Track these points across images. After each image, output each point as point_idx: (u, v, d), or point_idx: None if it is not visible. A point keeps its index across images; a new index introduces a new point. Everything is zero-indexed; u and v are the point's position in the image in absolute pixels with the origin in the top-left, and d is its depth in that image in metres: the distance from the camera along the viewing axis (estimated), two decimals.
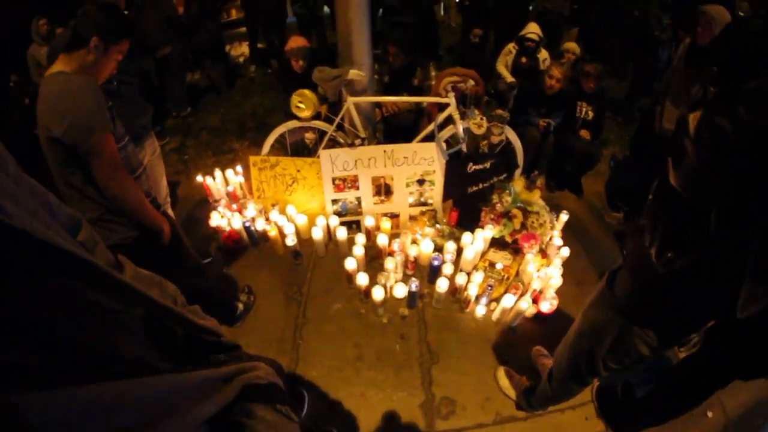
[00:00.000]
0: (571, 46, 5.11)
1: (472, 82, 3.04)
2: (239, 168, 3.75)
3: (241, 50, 7.39)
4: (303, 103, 3.12)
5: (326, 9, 6.70)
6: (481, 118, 3.04)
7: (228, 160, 4.50)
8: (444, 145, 3.09)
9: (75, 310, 0.61)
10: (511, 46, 4.99)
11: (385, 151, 3.03)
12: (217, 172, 3.68)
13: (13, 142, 2.66)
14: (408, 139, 3.70)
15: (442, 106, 3.18)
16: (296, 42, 3.77)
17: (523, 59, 4.90)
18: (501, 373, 2.49)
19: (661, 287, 1.27)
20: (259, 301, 2.94)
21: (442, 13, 8.07)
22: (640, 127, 4.37)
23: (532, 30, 4.80)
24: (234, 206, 3.52)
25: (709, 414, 2.26)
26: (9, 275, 0.50)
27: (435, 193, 3.26)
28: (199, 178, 3.63)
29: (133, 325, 0.78)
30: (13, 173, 0.69)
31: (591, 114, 4.00)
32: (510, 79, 4.91)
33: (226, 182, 3.71)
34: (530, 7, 6.31)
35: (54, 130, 1.64)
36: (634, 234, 1.36)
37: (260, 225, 3.28)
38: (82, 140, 1.67)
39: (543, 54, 4.94)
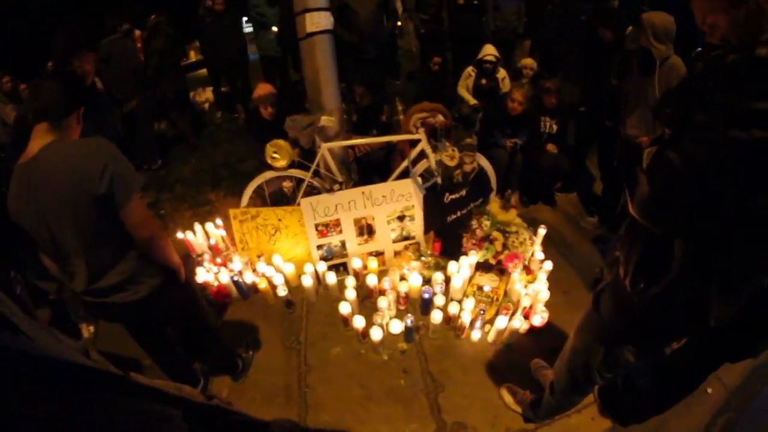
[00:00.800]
0: (528, 62, 5.37)
1: (440, 117, 3.21)
2: (219, 221, 3.82)
3: (205, 96, 7.44)
4: (278, 153, 3.24)
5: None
6: (453, 150, 3.20)
7: (205, 213, 4.55)
8: (419, 179, 3.25)
9: (126, 426, 0.70)
10: (470, 70, 5.23)
11: (363, 193, 3.16)
12: (197, 226, 3.73)
13: None
14: (382, 174, 3.86)
15: (414, 142, 3.34)
16: (263, 89, 3.89)
17: (483, 80, 5.16)
18: (504, 391, 2.62)
19: (639, 312, 1.42)
20: (258, 354, 3.00)
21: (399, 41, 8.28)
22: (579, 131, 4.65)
23: (489, 52, 5.06)
24: (218, 260, 3.58)
25: (709, 390, 2.45)
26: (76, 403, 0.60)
27: (416, 227, 3.40)
28: (180, 235, 3.66)
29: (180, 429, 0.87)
30: (21, 316, 0.78)
31: (555, 127, 4.24)
32: (473, 101, 5.15)
33: (207, 236, 3.76)
34: (483, 19, 6.54)
35: (94, 189, 1.67)
36: (611, 266, 1.53)
37: (248, 278, 3.35)
38: (126, 192, 1.73)
39: (501, 73, 5.21)
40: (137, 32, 6.46)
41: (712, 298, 1.26)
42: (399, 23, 7.89)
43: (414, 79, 7.08)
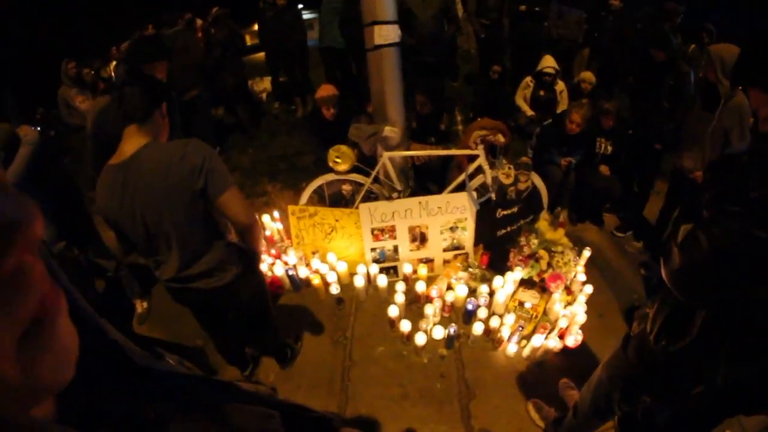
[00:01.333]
0: (587, 76, 5.43)
1: (500, 136, 3.41)
2: (276, 213, 4.07)
3: (263, 85, 7.73)
4: (340, 158, 3.50)
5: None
6: (509, 168, 3.41)
7: (262, 203, 4.86)
8: (474, 194, 3.45)
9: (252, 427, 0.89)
10: (529, 80, 5.37)
11: (420, 203, 3.39)
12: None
13: (44, 172, 3.05)
14: (437, 182, 4.07)
15: (472, 157, 3.55)
16: (326, 90, 4.13)
17: (541, 92, 5.29)
18: (531, 405, 2.83)
19: (658, 364, 1.66)
20: (307, 344, 3.29)
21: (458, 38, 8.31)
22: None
23: (548, 64, 5.18)
24: (272, 251, 3.87)
25: None
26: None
27: (467, 238, 3.60)
28: None
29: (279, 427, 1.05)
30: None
31: (610, 149, 4.35)
32: (530, 112, 5.30)
33: (263, 227, 4.04)
34: (545, 24, 6.58)
35: (193, 185, 1.88)
36: (641, 320, 1.75)
37: (303, 272, 3.63)
38: (220, 184, 1.93)
39: (560, 86, 5.32)
40: (198, 21, 6.83)
41: (721, 363, 1.47)
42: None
43: (471, 83, 7.22)
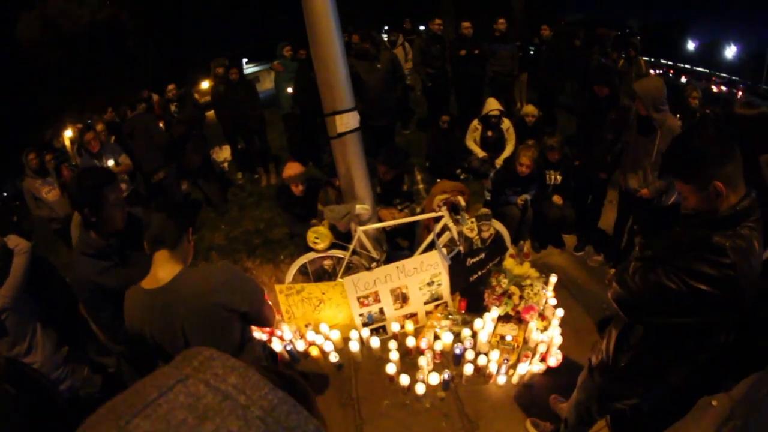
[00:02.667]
0: (529, 109, 6.28)
1: (460, 197, 4.12)
2: None
3: (223, 156, 8.18)
4: (319, 239, 4.14)
5: None
6: (472, 222, 4.12)
7: None
8: (444, 250, 4.12)
9: None
10: (476, 123, 6.16)
11: (397, 267, 4.03)
12: None
13: (39, 280, 3.45)
14: (406, 236, 4.77)
15: (438, 218, 4.24)
16: (293, 169, 4.75)
17: (489, 133, 6.08)
18: (528, 423, 3.46)
19: (619, 377, 2.35)
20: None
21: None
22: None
23: (493, 107, 5.97)
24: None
25: (714, 402, 2.80)
26: None
27: (444, 289, 4.27)
28: None
29: None
30: None
31: (559, 178, 5.15)
32: (481, 153, 6.08)
33: None
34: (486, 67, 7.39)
35: (237, 308, 2.17)
36: (597, 353, 2.45)
37: (300, 346, 4.16)
38: (259, 303, 2.29)
39: (506, 123, 6.12)
40: (155, 97, 7.38)
41: (667, 367, 2.19)
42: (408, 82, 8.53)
43: (423, 128, 7.98)
